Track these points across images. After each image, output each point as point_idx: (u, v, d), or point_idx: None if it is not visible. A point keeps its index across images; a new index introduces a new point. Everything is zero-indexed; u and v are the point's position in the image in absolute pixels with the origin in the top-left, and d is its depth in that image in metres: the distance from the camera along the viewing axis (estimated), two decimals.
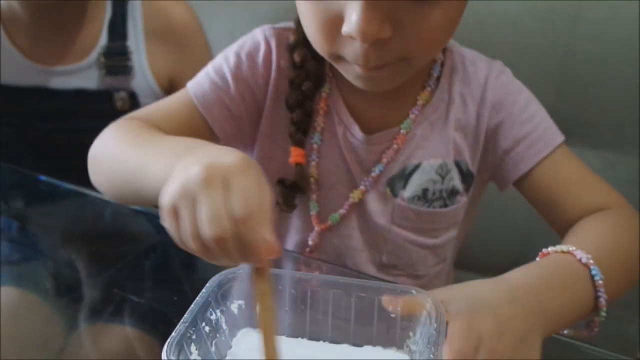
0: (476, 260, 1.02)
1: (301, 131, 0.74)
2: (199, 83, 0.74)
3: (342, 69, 0.65)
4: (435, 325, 0.48)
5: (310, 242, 0.80)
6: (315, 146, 0.76)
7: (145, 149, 0.59)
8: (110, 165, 0.66)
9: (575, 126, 0.93)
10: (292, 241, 0.82)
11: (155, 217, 0.48)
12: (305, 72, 0.73)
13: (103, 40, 1.05)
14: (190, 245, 0.44)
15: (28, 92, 1.06)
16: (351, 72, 0.64)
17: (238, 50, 0.75)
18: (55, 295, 0.66)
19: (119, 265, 0.75)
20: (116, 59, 1.06)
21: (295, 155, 0.75)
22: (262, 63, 0.74)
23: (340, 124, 0.75)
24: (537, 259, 0.60)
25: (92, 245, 0.80)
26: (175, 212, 0.44)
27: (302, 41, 0.71)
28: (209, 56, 1.06)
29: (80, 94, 1.06)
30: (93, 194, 0.90)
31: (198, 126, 0.73)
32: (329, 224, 0.78)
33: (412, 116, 0.73)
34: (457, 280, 0.85)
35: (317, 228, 0.78)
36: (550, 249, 0.59)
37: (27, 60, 1.06)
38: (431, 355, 0.44)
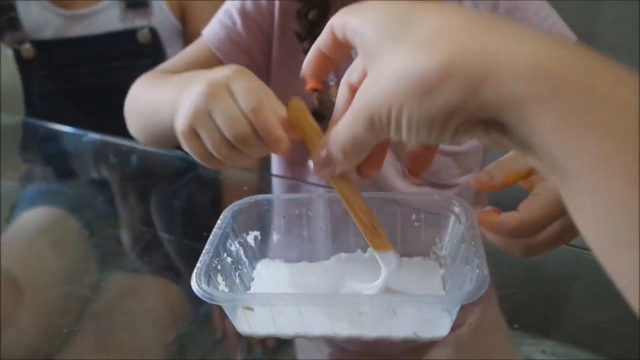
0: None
1: None
2: (211, 27, 0.80)
3: None
4: (467, 222, 0.47)
5: None
6: None
7: (159, 89, 0.65)
8: (136, 112, 0.73)
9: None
10: None
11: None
12: (310, 1, 0.74)
13: None
14: (218, 152, 0.47)
15: (60, 43, 1.18)
16: None
17: None
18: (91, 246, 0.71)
19: (149, 206, 0.80)
20: None
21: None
22: None
23: None
24: None
25: (123, 190, 0.86)
26: (192, 132, 0.48)
27: None
28: None
29: (107, 37, 1.18)
30: (125, 142, 0.95)
31: (214, 66, 0.75)
32: None
33: None
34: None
35: None
36: None
37: (55, 7, 1.18)
38: (472, 248, 0.44)
